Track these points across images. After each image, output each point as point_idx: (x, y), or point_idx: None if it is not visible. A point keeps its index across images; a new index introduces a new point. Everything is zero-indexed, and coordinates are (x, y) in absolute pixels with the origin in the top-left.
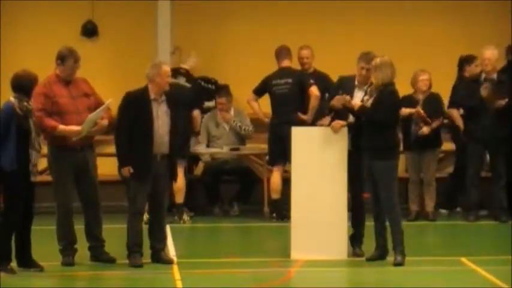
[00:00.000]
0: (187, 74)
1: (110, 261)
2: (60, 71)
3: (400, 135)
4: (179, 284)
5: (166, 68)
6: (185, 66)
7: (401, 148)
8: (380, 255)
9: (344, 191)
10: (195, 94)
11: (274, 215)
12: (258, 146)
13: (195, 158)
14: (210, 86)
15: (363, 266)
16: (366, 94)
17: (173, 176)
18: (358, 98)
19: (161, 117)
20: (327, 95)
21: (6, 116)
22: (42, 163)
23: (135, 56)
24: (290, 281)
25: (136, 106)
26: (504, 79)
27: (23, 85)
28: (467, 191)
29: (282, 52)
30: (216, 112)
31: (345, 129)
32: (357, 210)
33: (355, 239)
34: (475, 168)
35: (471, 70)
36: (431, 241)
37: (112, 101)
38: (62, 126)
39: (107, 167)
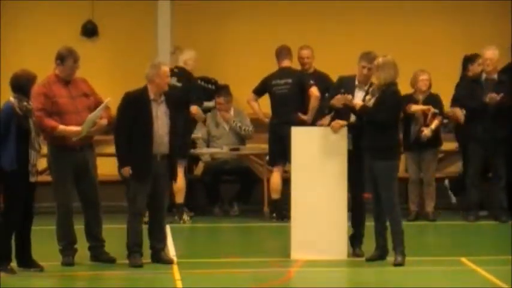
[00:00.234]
0: (183, 72)
1: (110, 261)
2: (60, 71)
3: (400, 135)
4: (179, 284)
5: (166, 69)
6: (180, 64)
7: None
8: (380, 255)
9: (344, 191)
10: (186, 93)
11: (274, 215)
12: (258, 146)
13: (195, 158)
14: (210, 86)
15: (363, 266)
16: (367, 94)
17: (173, 176)
18: (358, 98)
19: (161, 118)
20: (327, 95)
21: (6, 116)
22: (42, 163)
23: (135, 56)
24: (290, 281)
25: (135, 106)
26: (504, 79)
27: (21, 85)
28: (467, 191)
29: (282, 52)
30: (216, 112)
31: (345, 129)
32: (357, 210)
33: (355, 239)
34: (475, 168)
35: (474, 69)
36: (431, 241)
37: (111, 100)
38: (62, 127)
39: (106, 167)
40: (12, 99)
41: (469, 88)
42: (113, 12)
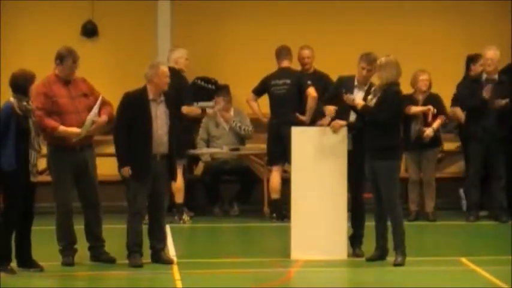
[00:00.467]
0: (173, 72)
1: (110, 261)
2: (59, 71)
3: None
4: (179, 284)
5: (165, 69)
6: (171, 64)
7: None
8: (380, 255)
9: (344, 191)
10: (177, 93)
11: (274, 215)
12: (258, 146)
13: (195, 158)
14: (210, 86)
15: (362, 266)
16: (366, 94)
17: (173, 176)
18: (357, 98)
19: (160, 117)
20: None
21: (5, 115)
22: (42, 163)
23: (135, 56)
24: (290, 281)
25: (135, 106)
26: (505, 79)
27: (19, 85)
28: (467, 191)
29: (282, 52)
30: (216, 112)
31: (345, 129)
32: (357, 210)
33: (355, 239)
34: (475, 168)
35: (476, 69)
36: (431, 241)
37: (103, 96)
38: (62, 127)
39: (106, 167)
40: (12, 99)
41: (469, 88)
42: (113, 12)
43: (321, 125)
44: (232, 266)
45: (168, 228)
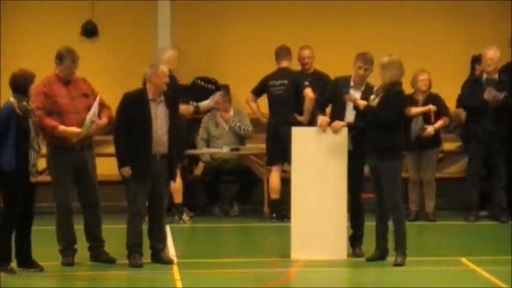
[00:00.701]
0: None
1: (110, 261)
2: (59, 71)
3: None
4: (179, 284)
5: (164, 69)
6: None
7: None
8: (380, 255)
9: (344, 191)
10: (172, 94)
11: (274, 215)
12: (258, 146)
13: (195, 158)
14: (209, 86)
15: (362, 266)
16: (365, 95)
17: (173, 176)
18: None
19: (160, 117)
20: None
21: (5, 115)
22: (42, 163)
23: (135, 56)
24: (290, 281)
25: (134, 106)
26: (504, 79)
27: (19, 84)
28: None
29: (281, 52)
30: (215, 112)
31: (345, 130)
32: (356, 210)
33: (355, 239)
34: (475, 168)
35: (481, 69)
36: (431, 241)
37: (101, 96)
38: (62, 127)
39: (106, 167)
40: (12, 99)
41: (469, 88)
42: (113, 12)
43: (320, 126)
44: (232, 266)
45: (168, 228)
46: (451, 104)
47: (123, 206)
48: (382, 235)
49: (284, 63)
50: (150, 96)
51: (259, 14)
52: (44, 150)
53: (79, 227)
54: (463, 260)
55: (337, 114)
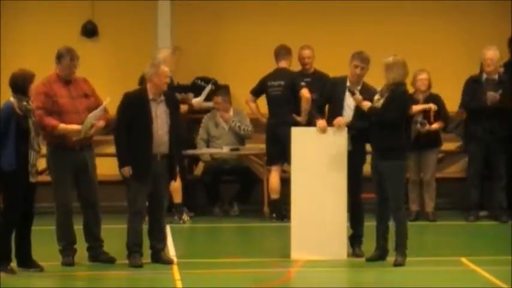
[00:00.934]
0: None
1: (110, 261)
2: (59, 70)
3: None
4: (179, 284)
5: (165, 69)
6: None
7: None
8: (380, 255)
9: (344, 191)
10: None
11: (274, 215)
12: (258, 146)
13: (195, 158)
14: (213, 87)
15: (362, 266)
16: (362, 94)
17: (173, 176)
18: (351, 99)
19: (160, 117)
20: None
21: (5, 115)
22: (42, 163)
23: (135, 56)
24: (290, 281)
25: (135, 106)
26: (504, 79)
27: (18, 84)
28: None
29: (280, 52)
30: (215, 112)
31: (345, 129)
32: (356, 210)
33: (355, 239)
34: (475, 168)
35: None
36: (431, 241)
37: (110, 101)
38: (62, 125)
39: (106, 167)
40: (12, 99)
41: (469, 88)
42: (113, 12)
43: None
44: (232, 266)
45: (168, 228)
46: (451, 104)
47: (123, 206)
48: (382, 235)
49: (282, 64)
50: (150, 96)
51: (259, 14)
52: (44, 150)
53: (79, 227)
54: (463, 260)
55: (335, 114)
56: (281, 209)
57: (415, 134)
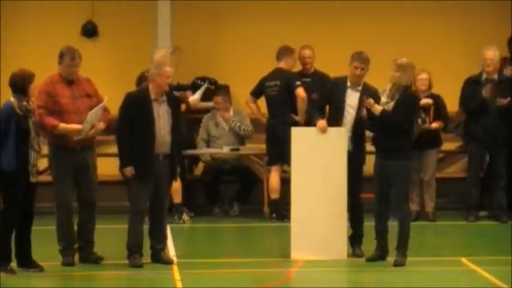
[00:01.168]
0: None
1: (98, 260)
2: (61, 70)
3: None
4: (179, 284)
5: (168, 69)
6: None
7: None
8: (380, 255)
9: (344, 191)
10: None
11: (274, 215)
12: (258, 146)
13: (195, 158)
14: (210, 86)
15: (362, 266)
16: (363, 95)
17: (174, 176)
18: (352, 99)
19: (162, 117)
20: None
21: (5, 115)
22: (43, 163)
23: (135, 56)
24: (290, 281)
25: (137, 106)
26: (505, 79)
27: (18, 84)
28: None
29: (280, 52)
30: (215, 112)
31: (345, 129)
32: (356, 210)
33: (355, 239)
34: (475, 168)
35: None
36: (431, 241)
37: (108, 99)
38: (63, 125)
39: (107, 167)
40: (12, 99)
41: (469, 89)
42: (113, 12)
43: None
44: (232, 266)
45: (168, 228)
46: (451, 103)
47: (123, 206)
48: (382, 235)
49: (281, 64)
50: (152, 96)
51: (259, 14)
52: (44, 150)
53: None
54: (463, 260)
55: (335, 114)
56: (281, 209)
57: (418, 132)
